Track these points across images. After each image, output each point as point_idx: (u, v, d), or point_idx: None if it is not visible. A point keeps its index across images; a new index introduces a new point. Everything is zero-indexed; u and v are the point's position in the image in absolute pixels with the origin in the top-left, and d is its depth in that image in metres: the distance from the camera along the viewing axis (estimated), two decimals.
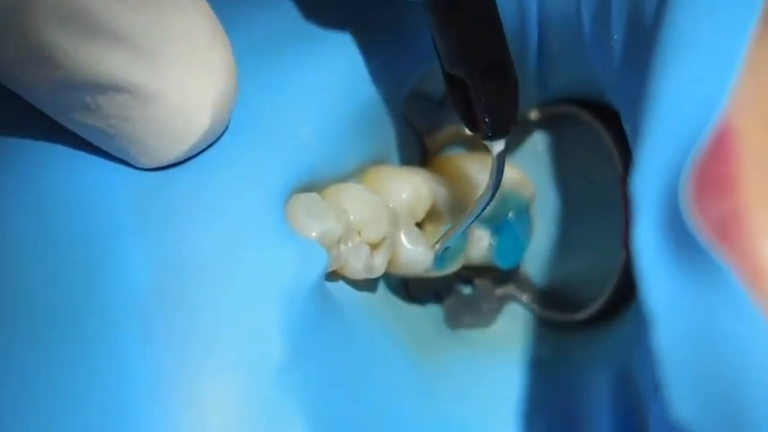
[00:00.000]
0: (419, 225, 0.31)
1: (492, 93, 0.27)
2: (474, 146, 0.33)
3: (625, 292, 0.32)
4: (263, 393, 0.25)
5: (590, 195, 0.33)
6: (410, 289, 0.33)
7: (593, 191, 0.33)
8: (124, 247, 0.25)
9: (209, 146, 0.26)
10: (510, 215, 0.33)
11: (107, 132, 0.25)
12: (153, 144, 0.25)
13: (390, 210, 0.29)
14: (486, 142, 0.28)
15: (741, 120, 0.22)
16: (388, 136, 0.31)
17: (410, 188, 0.30)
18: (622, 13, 0.27)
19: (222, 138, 0.27)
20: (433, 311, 0.33)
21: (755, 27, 0.22)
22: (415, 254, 0.30)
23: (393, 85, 0.30)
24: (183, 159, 0.26)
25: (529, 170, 0.34)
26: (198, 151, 0.26)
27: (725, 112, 0.22)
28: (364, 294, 0.30)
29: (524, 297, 0.34)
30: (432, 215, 0.31)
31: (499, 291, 0.34)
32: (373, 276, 0.29)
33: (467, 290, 0.34)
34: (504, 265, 0.33)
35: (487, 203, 0.29)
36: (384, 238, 0.29)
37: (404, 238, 0.30)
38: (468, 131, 0.28)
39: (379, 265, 0.29)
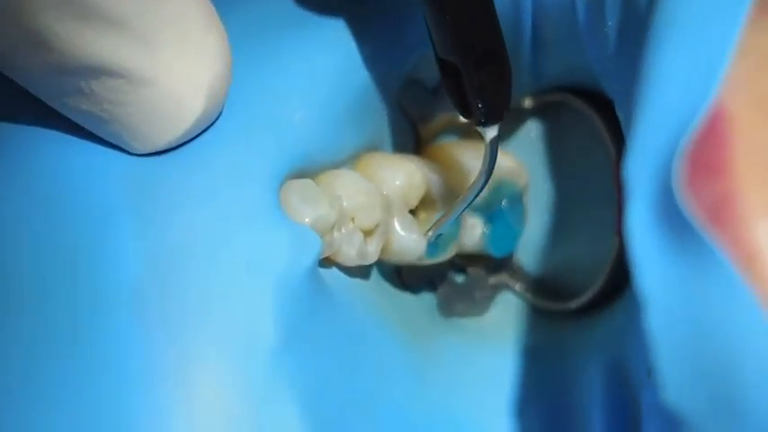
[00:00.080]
0: (412, 212, 0.31)
1: (486, 79, 0.27)
2: (468, 134, 0.33)
3: (618, 280, 0.32)
4: (257, 378, 0.25)
5: (584, 184, 0.33)
6: (403, 276, 0.33)
7: (587, 179, 0.33)
8: (118, 233, 0.25)
9: (203, 131, 0.26)
10: (503, 203, 0.33)
11: (101, 117, 0.25)
12: (146, 129, 0.25)
13: (384, 196, 0.29)
14: (480, 128, 0.28)
15: (734, 104, 0.22)
16: (382, 123, 0.31)
17: (404, 175, 0.30)
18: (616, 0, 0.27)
19: (216, 123, 0.26)
20: (426, 299, 0.33)
21: (749, 11, 0.22)
22: (409, 241, 0.30)
23: (387, 72, 0.30)
24: (176, 144, 0.26)
25: (522, 158, 0.34)
26: (192, 136, 0.26)
27: (718, 96, 0.22)
28: (357, 281, 0.30)
29: (517, 286, 0.34)
30: (425, 202, 0.31)
31: (492, 279, 0.34)
32: (366, 263, 0.29)
33: (460, 278, 0.34)
34: (497, 253, 0.33)
35: (480, 189, 0.29)
36: (377, 225, 0.29)
37: (397, 225, 0.30)
38: (461, 119, 0.28)
39: (372, 251, 0.29)
